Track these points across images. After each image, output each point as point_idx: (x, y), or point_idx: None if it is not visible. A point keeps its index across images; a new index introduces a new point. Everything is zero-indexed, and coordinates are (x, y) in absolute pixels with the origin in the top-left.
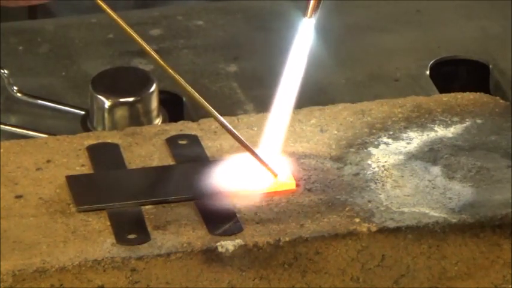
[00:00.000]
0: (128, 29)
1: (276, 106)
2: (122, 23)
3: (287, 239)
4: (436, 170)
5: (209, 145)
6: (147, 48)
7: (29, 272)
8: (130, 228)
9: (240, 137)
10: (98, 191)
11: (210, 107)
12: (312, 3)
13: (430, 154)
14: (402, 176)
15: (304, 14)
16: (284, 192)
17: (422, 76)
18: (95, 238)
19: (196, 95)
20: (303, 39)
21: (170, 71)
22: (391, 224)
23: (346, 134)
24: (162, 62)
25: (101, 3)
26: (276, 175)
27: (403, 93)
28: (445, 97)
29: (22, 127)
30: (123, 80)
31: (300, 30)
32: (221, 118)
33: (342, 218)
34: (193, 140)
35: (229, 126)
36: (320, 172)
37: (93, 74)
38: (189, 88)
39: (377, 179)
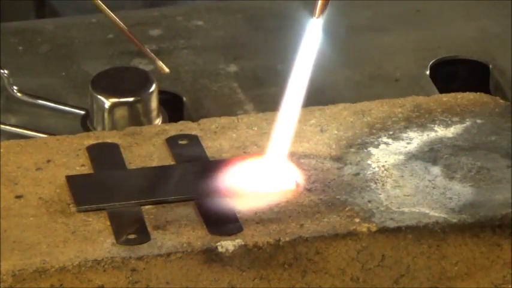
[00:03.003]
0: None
1: (284, 107)
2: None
3: (287, 239)
4: (436, 170)
5: (209, 145)
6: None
7: (29, 272)
8: (130, 228)
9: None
10: (97, 191)
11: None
12: (319, 3)
13: (430, 154)
14: (402, 176)
15: (312, 14)
16: (284, 192)
17: (422, 76)
18: (94, 238)
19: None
20: (311, 40)
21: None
22: (391, 224)
23: (346, 134)
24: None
25: None
26: (166, 71)
27: (403, 93)
28: (445, 97)
29: (22, 127)
30: (123, 80)
31: (308, 30)
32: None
33: (342, 218)
34: (193, 140)
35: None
36: (320, 172)
37: (93, 74)
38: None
39: (377, 179)
